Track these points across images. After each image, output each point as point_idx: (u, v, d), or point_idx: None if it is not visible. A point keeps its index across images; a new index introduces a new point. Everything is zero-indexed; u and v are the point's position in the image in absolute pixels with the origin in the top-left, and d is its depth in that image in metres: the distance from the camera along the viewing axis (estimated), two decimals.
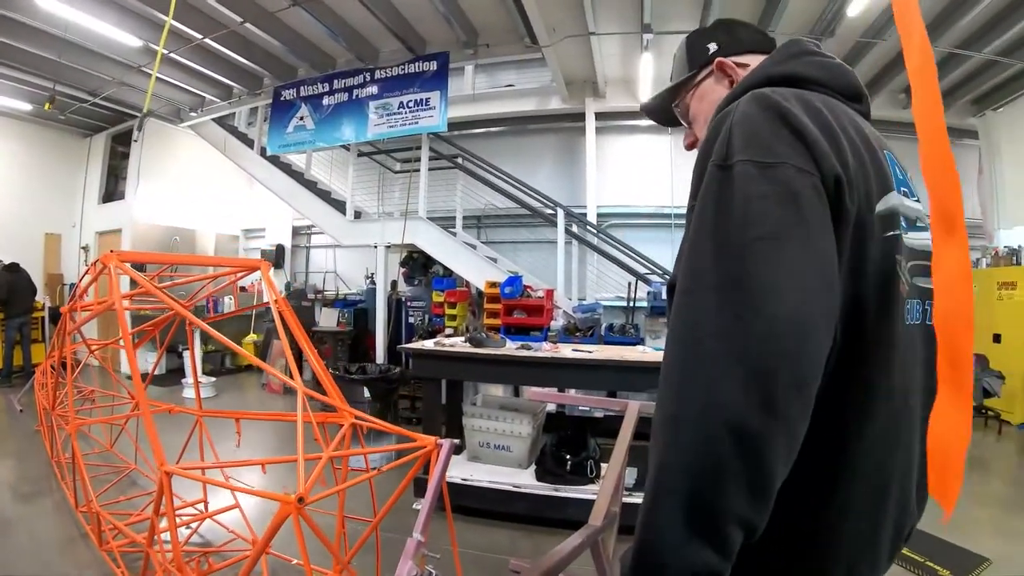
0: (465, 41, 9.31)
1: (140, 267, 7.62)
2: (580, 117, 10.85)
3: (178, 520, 3.12)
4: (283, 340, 3.72)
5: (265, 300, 12.32)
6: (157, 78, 10.40)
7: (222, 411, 4.95)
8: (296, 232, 14.27)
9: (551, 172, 11.86)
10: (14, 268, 11.05)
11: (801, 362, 0.91)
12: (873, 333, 1.08)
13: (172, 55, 9.46)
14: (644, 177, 11.38)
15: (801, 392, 0.91)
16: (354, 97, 10.03)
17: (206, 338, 10.32)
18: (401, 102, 9.56)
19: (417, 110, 9.42)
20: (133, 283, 4.40)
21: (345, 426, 3.39)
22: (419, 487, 4.92)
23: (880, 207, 1.11)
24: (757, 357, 0.89)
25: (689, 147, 1.61)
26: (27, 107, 12.27)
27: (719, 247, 0.99)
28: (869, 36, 8.50)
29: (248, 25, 8.88)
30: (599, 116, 10.86)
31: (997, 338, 9.09)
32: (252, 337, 12.30)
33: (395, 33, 9.10)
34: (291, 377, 3.38)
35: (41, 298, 12.77)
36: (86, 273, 4.89)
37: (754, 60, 1.48)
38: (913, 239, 1.20)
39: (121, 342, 6.17)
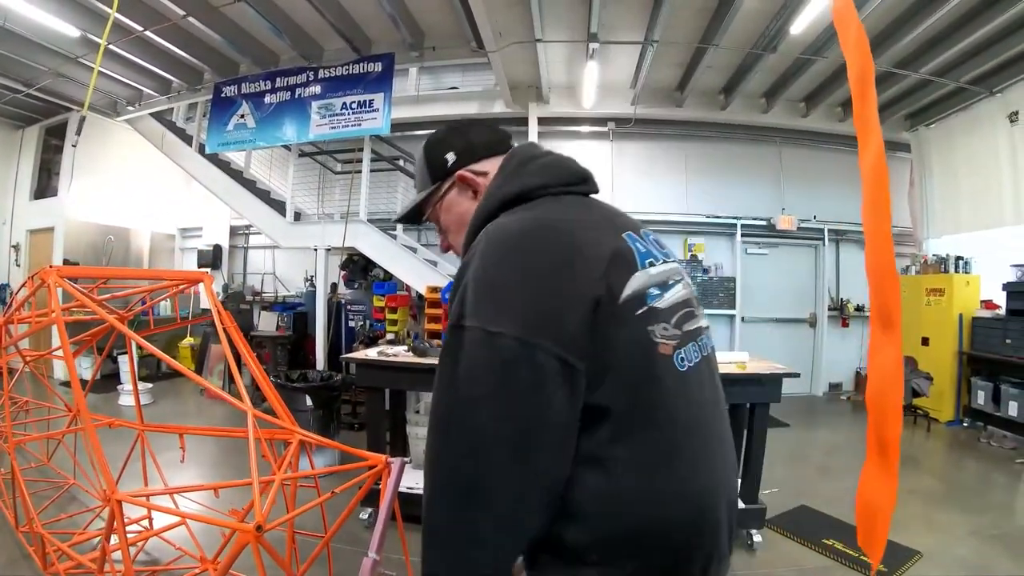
0: (411, 43, 9.25)
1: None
2: (523, 121, 10.88)
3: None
4: (228, 357, 3.65)
5: (204, 306, 12.11)
6: (100, 70, 10.20)
7: (166, 425, 4.85)
8: (234, 232, 13.87)
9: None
10: None
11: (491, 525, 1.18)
12: (647, 400, 1.28)
13: (111, 47, 9.23)
14: None
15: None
16: (297, 96, 9.88)
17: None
18: (344, 103, 9.46)
19: (360, 112, 9.34)
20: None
21: (293, 444, 3.34)
22: (369, 497, 4.89)
23: (625, 293, 1.28)
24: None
25: (444, 251, 1.78)
26: None
27: (450, 401, 1.23)
28: (810, 53, 8.77)
29: (190, 19, 8.68)
30: (542, 121, 10.94)
31: (925, 341, 9.58)
32: (189, 340, 12.04)
33: (341, 32, 8.99)
34: (234, 393, 3.33)
35: None
36: (22, 286, 4.75)
37: (492, 165, 1.61)
38: (669, 297, 1.38)
39: (57, 353, 6.04)
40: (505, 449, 1.16)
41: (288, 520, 2.93)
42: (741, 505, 4.72)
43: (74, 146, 8.14)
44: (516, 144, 1.70)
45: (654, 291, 1.35)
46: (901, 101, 10.44)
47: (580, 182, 1.55)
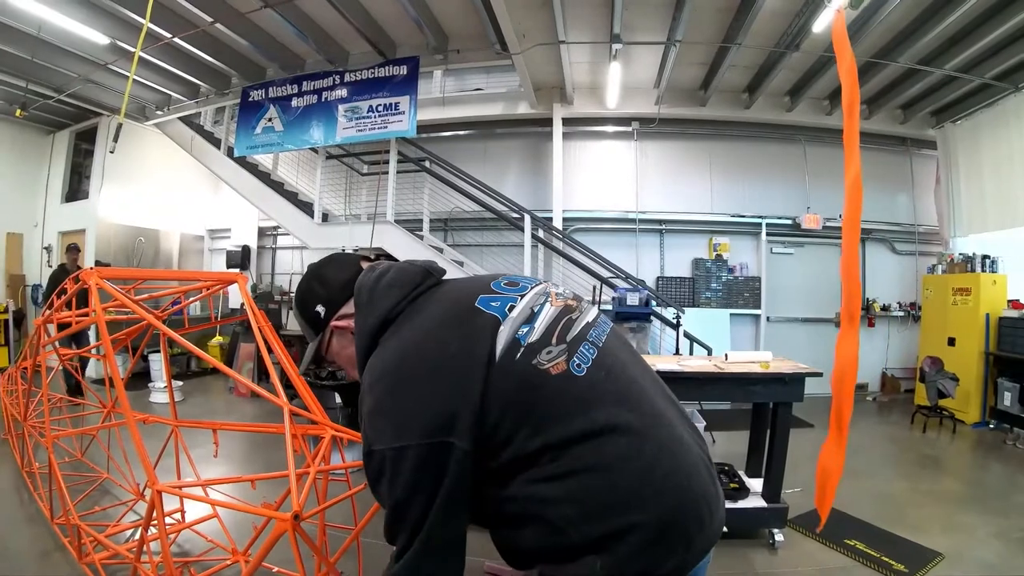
0: (435, 46, 9.33)
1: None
2: (547, 122, 10.93)
3: (156, 533, 3.14)
4: (264, 354, 3.74)
5: (232, 306, 12.25)
6: (125, 76, 10.32)
7: (200, 421, 4.94)
8: (262, 233, 14.10)
9: (518, 176, 11.93)
10: None
11: None
12: (564, 416, 1.46)
13: (140, 53, 9.40)
14: (609, 183, 11.53)
15: None
16: (323, 100, 10.01)
17: (173, 342, 10.19)
18: (370, 106, 9.57)
19: (386, 114, 9.44)
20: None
21: (326, 439, 3.43)
22: None
23: (499, 349, 1.50)
24: None
25: (353, 380, 2.03)
26: None
27: (392, 504, 1.50)
28: (832, 51, 8.66)
29: (218, 25, 8.82)
30: (566, 122, 10.95)
31: (952, 341, 9.45)
32: (218, 339, 12.20)
33: (365, 36, 9.09)
34: (258, 386, 3.42)
35: (3, 300, 12.56)
36: (62, 287, 4.85)
37: (351, 303, 1.83)
38: (540, 325, 1.59)
39: (96, 351, 6.17)
40: (431, 515, 1.46)
41: (321, 510, 3.08)
42: (763, 504, 4.75)
43: (111, 152, 8.30)
44: (361, 264, 1.93)
45: (523, 329, 1.56)
46: (926, 98, 10.34)
47: (424, 281, 1.77)
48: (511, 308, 1.60)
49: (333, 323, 1.86)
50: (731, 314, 10.75)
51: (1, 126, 13.08)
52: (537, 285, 1.75)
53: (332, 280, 1.89)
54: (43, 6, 8.08)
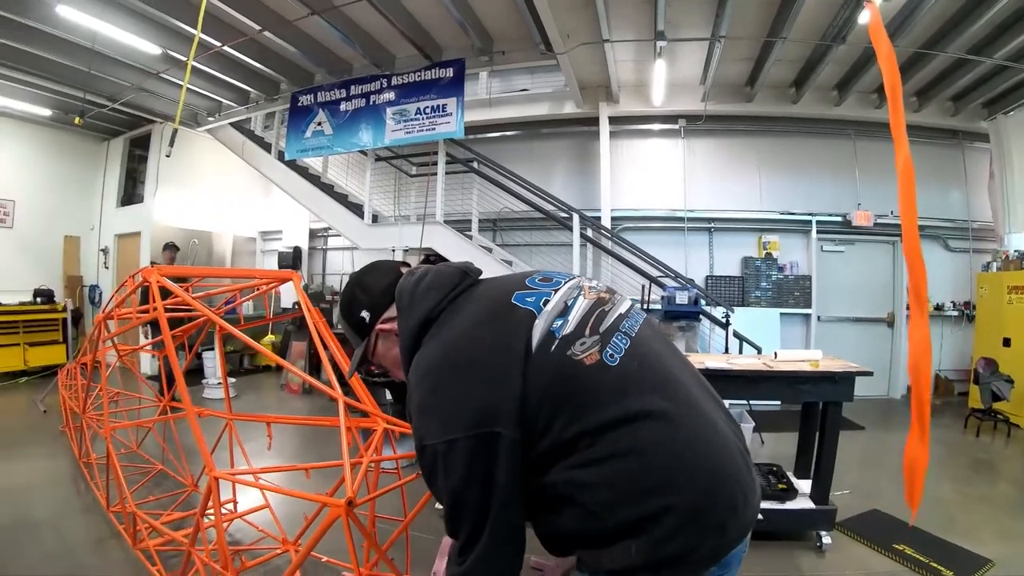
0: (480, 48, 9.42)
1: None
2: (594, 121, 10.89)
3: (211, 520, 3.23)
4: (320, 351, 3.84)
5: (284, 305, 12.51)
6: (177, 84, 10.60)
7: (253, 415, 5.05)
8: (313, 234, 14.41)
9: (565, 176, 11.93)
10: None
11: None
12: (599, 405, 1.51)
13: (192, 62, 9.61)
14: (657, 181, 11.45)
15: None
16: (371, 103, 10.17)
17: (226, 340, 10.44)
18: (418, 108, 9.70)
19: (434, 116, 9.55)
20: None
21: (378, 431, 3.52)
22: None
23: (535, 342, 1.56)
24: None
25: (400, 380, 1.98)
26: (47, 112, 12.46)
27: (449, 494, 1.55)
28: None
29: (266, 33, 9.00)
30: (613, 120, 10.90)
31: (1007, 342, 9.17)
32: (270, 338, 12.53)
33: (411, 40, 9.20)
34: (310, 381, 3.51)
35: (61, 300, 13.05)
36: (122, 285, 4.98)
37: (394, 308, 1.90)
38: (573, 318, 1.64)
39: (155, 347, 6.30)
40: (492, 502, 1.51)
41: (373, 498, 3.19)
42: (811, 505, 4.69)
43: (167, 156, 8.54)
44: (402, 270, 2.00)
45: (557, 322, 1.61)
46: (977, 89, 10.03)
47: (461, 282, 1.83)
48: (545, 303, 1.66)
49: (378, 327, 1.93)
50: (781, 314, 10.56)
51: (59, 134, 13.60)
52: (571, 280, 1.80)
53: (374, 286, 1.97)
54: (98, 20, 8.36)
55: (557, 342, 1.57)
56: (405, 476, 3.42)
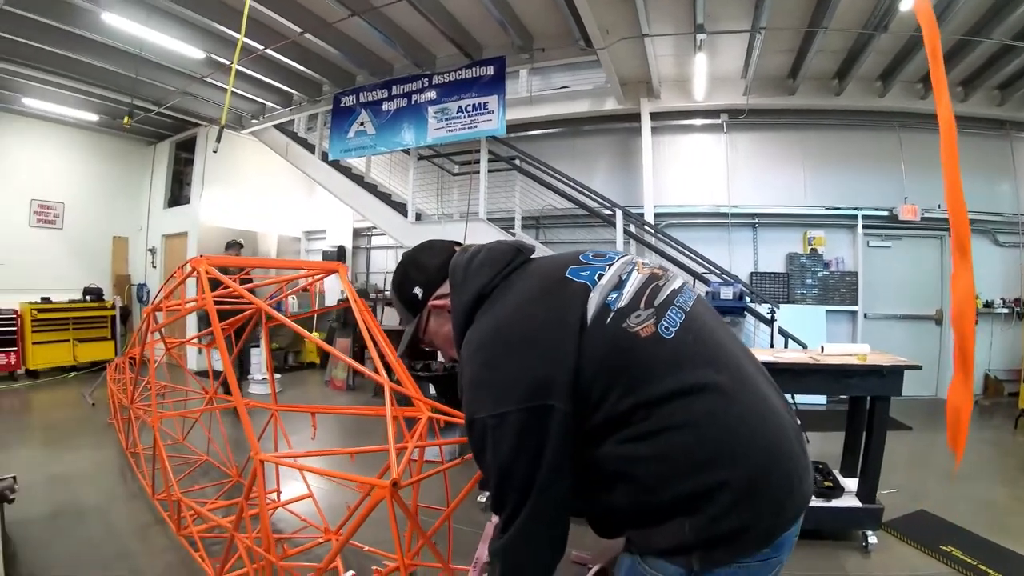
0: (520, 45, 9.43)
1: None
2: (635, 118, 10.85)
3: (255, 508, 3.30)
4: (366, 338, 3.90)
5: (327, 302, 12.67)
6: (220, 88, 10.90)
7: (298, 405, 5.13)
8: (357, 234, 14.67)
9: (607, 172, 11.91)
10: None
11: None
12: (653, 375, 1.51)
13: (235, 65, 9.77)
14: (700, 176, 11.36)
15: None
16: (413, 102, 10.25)
17: (272, 334, 10.61)
18: (459, 106, 9.74)
19: (476, 114, 9.59)
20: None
21: (423, 419, 3.55)
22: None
23: (590, 315, 1.56)
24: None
25: (449, 362, 2.04)
26: (94, 117, 12.85)
27: (496, 470, 1.57)
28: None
29: (308, 35, 9.10)
30: (654, 116, 10.85)
31: None
32: (315, 335, 12.63)
33: (451, 39, 9.24)
34: (356, 367, 3.66)
35: (110, 298, 13.45)
36: (171, 276, 5.10)
37: (447, 285, 1.91)
38: (628, 291, 1.63)
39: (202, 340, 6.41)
40: (538, 476, 1.51)
41: (417, 481, 3.27)
42: (857, 504, 4.62)
43: (215, 151, 8.74)
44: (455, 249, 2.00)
45: (612, 295, 1.61)
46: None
47: (515, 258, 1.83)
48: (599, 276, 1.65)
49: (431, 303, 1.94)
50: (827, 311, 10.40)
51: (106, 139, 14.15)
52: (624, 256, 1.80)
53: (427, 264, 1.97)
54: (143, 27, 8.57)
55: (612, 315, 1.56)
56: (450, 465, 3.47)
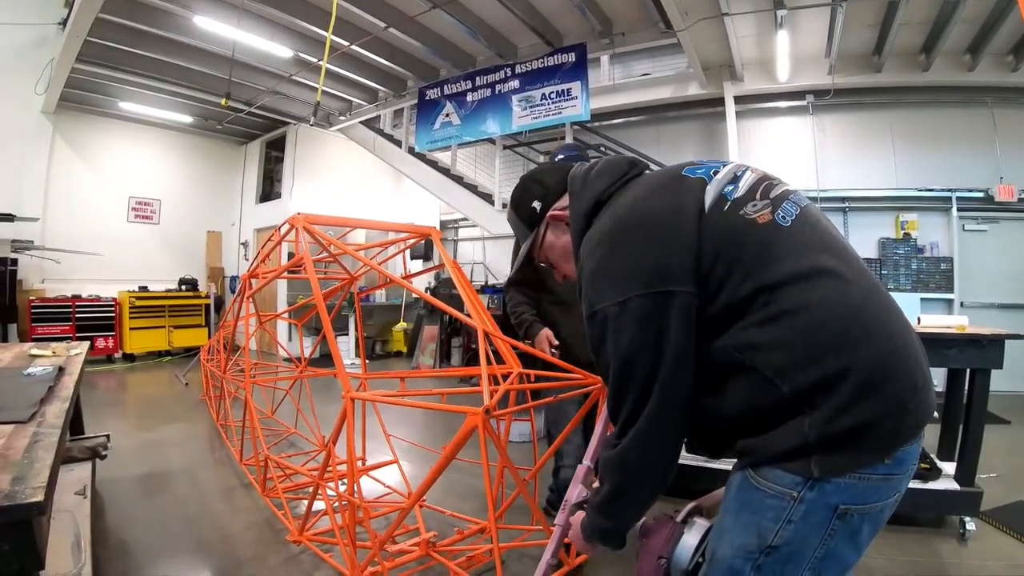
0: (600, 31, 9.53)
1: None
2: (719, 102, 10.75)
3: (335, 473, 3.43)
4: (465, 297, 4.02)
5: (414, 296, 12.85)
6: (309, 86, 11.45)
7: (386, 372, 5.25)
8: (444, 225, 15.13)
9: (693, 158, 11.52)
10: None
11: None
12: (773, 259, 1.52)
13: (321, 63, 10.03)
14: (787, 160, 11.05)
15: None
16: (497, 92, 10.50)
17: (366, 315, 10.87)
18: (543, 94, 9.93)
19: (560, 100, 9.74)
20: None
21: (513, 373, 3.61)
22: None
23: (708, 203, 1.60)
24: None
25: (561, 280, 2.13)
26: (188, 119, 13.72)
27: (618, 358, 1.59)
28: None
29: (391, 30, 9.39)
30: (738, 100, 10.71)
31: None
32: (402, 325, 13.24)
33: (532, 28, 9.43)
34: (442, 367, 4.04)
35: (205, 288, 14.34)
36: (269, 238, 5.37)
37: (567, 199, 1.97)
38: (744, 184, 1.66)
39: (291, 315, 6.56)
40: (661, 368, 1.53)
41: (509, 412, 3.37)
42: (955, 487, 4.39)
43: (311, 124, 9.04)
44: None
45: (728, 188, 1.65)
46: None
47: (631, 170, 1.87)
48: (715, 173, 1.70)
49: (550, 214, 2.01)
50: (921, 298, 9.95)
51: (200, 139, 15.12)
52: (733, 163, 1.82)
53: (546, 179, 2.06)
54: (234, 28, 9.05)
55: (729, 203, 1.60)
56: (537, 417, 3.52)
